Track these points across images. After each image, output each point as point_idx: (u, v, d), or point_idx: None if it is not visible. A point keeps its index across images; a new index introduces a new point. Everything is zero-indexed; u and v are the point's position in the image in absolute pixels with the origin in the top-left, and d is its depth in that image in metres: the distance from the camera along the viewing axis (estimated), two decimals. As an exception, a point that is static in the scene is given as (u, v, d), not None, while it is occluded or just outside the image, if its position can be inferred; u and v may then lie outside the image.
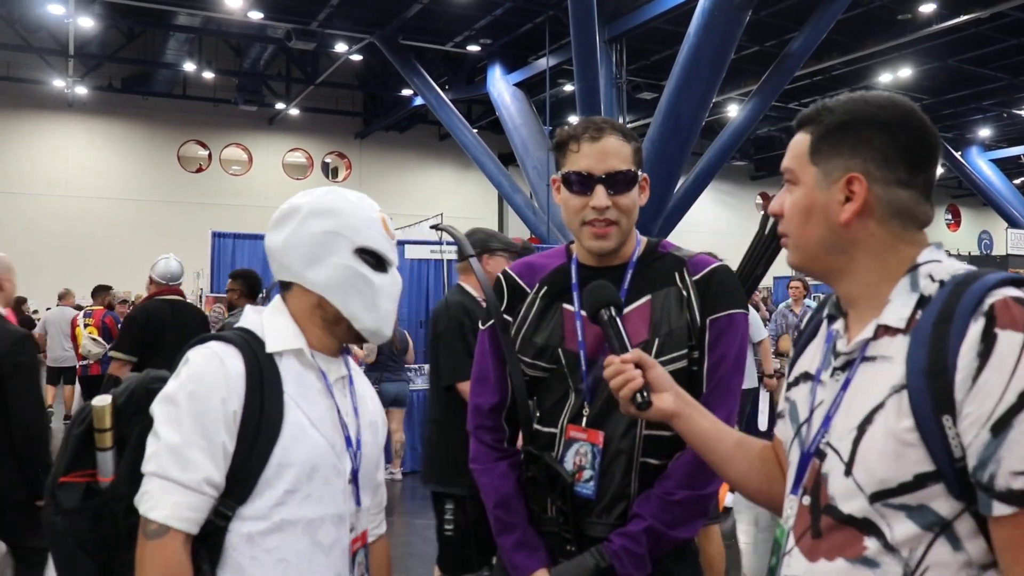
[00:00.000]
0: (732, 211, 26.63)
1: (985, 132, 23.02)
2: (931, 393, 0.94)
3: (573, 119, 16.35)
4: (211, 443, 1.25)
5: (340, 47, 16.63)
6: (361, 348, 6.78)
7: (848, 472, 1.01)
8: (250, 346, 1.32)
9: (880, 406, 0.99)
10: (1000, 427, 0.90)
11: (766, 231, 2.04)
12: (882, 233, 1.06)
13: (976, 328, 0.93)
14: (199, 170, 22.34)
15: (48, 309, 11.06)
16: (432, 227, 4.43)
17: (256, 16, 14.72)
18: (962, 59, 16.23)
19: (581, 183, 1.55)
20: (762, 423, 6.10)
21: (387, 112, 21.72)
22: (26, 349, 3.05)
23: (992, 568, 0.95)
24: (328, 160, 23.95)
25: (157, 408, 1.28)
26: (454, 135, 17.35)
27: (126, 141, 21.20)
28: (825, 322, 1.18)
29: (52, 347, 9.85)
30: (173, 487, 1.23)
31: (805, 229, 1.10)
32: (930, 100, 18.90)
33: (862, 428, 1.00)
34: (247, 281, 5.08)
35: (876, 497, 0.98)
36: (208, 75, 19.19)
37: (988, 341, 0.91)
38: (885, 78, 17.21)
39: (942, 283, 1.01)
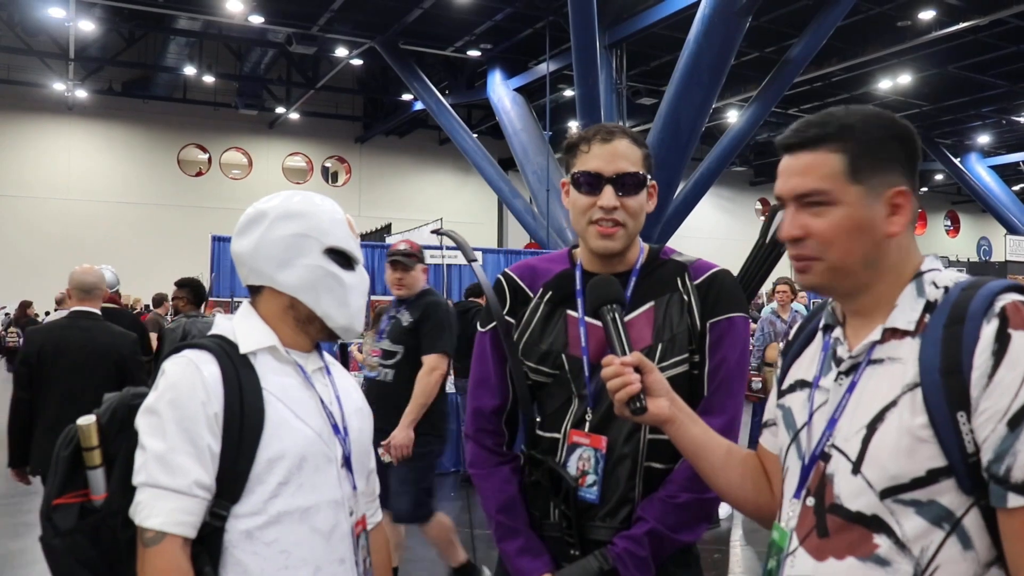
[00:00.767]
0: (731, 217, 26.70)
1: (984, 138, 23.09)
2: (946, 390, 0.98)
3: (573, 124, 16.39)
4: (197, 447, 1.27)
5: (341, 51, 16.68)
6: (354, 348, 6.79)
7: (856, 471, 1.04)
8: (223, 349, 1.34)
9: (893, 404, 1.02)
10: (1017, 422, 0.94)
11: (767, 239, 2.04)
12: (906, 241, 1.11)
13: (990, 329, 0.98)
14: (199, 174, 22.38)
15: (47, 314, 11.04)
16: (433, 232, 4.45)
17: (257, 20, 14.77)
18: (961, 66, 16.29)
19: (590, 183, 1.55)
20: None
21: (387, 117, 21.77)
22: None
23: (996, 564, 0.99)
24: (328, 164, 23.99)
25: (141, 421, 1.30)
26: (454, 140, 17.38)
27: (126, 145, 21.23)
28: (820, 332, 1.19)
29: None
30: (165, 494, 1.25)
31: (851, 247, 1.09)
32: (929, 106, 18.95)
33: (872, 426, 1.03)
34: (193, 290, 5.42)
35: (887, 493, 1.01)
36: (208, 79, 19.23)
37: (1002, 341, 0.97)
38: (885, 84, 17.25)
39: (946, 289, 1.06)
